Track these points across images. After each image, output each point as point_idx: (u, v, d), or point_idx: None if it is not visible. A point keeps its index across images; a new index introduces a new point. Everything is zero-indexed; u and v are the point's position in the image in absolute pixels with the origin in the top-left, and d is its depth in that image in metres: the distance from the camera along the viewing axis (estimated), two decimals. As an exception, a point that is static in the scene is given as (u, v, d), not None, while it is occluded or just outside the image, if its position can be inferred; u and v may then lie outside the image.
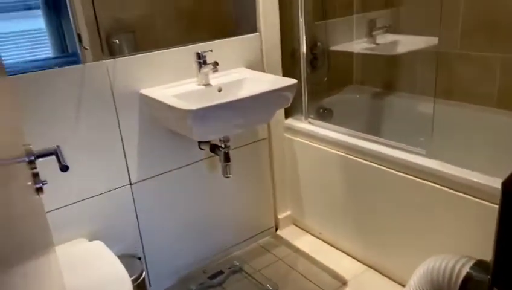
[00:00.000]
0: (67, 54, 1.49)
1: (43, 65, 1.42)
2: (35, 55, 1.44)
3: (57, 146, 0.85)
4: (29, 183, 0.83)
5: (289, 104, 1.65)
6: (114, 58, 1.53)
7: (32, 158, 0.84)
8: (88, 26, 1.47)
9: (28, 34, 1.43)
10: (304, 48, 1.98)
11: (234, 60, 1.82)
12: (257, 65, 1.89)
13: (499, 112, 1.89)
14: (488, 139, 1.89)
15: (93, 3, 1.47)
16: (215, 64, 1.61)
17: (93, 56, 1.48)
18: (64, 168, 0.80)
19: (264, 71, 1.91)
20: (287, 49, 2.05)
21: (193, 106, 1.39)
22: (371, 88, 2.40)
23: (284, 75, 2.00)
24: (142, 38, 1.62)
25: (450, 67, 2.03)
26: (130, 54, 1.56)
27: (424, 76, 2.16)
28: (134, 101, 1.60)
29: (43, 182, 0.86)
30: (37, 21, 1.45)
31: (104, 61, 1.51)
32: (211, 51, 1.68)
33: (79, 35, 1.47)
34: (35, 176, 0.85)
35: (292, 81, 1.60)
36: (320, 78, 2.28)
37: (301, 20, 1.93)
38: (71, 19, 1.45)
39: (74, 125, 1.48)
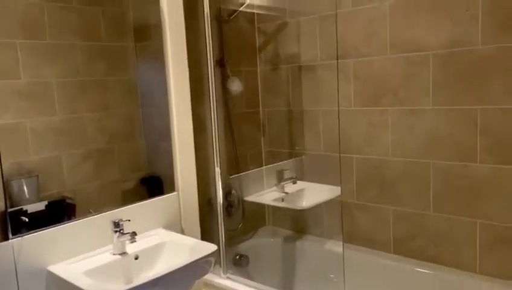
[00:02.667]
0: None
1: None
2: None
3: None
4: None
5: (211, 269, 1.65)
6: (21, 237, 1.42)
7: None
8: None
9: None
10: (220, 207, 2.06)
11: (152, 221, 1.81)
12: (175, 224, 1.89)
13: (395, 258, 2.11)
14: (389, 286, 2.06)
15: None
16: (133, 234, 1.57)
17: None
18: None
19: (182, 229, 1.92)
20: (204, 198, 2.12)
21: (109, 290, 1.31)
22: (283, 230, 2.53)
23: (201, 225, 2.03)
24: (46, 182, 1.52)
25: (351, 215, 2.25)
26: (39, 229, 1.47)
27: (330, 221, 2.37)
28: (41, 280, 1.46)
29: None
30: None
31: (9, 241, 1.39)
32: (129, 220, 1.66)
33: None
34: None
35: (212, 248, 1.62)
36: (236, 224, 2.36)
37: (217, 177, 2.04)
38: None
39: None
